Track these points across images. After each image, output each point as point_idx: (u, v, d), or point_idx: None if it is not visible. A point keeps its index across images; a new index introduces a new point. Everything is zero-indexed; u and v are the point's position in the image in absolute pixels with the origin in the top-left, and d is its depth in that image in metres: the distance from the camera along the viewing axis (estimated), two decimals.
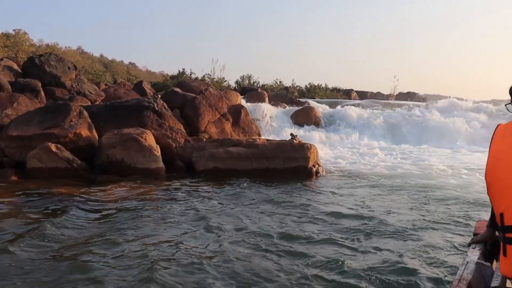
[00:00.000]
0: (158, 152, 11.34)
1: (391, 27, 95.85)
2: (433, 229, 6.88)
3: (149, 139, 11.33)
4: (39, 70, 14.83)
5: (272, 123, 20.89)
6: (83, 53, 39.50)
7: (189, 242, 6.11)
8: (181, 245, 5.97)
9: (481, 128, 21.38)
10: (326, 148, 17.20)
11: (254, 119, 20.58)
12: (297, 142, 11.58)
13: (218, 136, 16.94)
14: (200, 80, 30.90)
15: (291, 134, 12.17)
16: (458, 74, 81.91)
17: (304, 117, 21.48)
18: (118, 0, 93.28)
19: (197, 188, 9.86)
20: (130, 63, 42.88)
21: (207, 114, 16.95)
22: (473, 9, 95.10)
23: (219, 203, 8.48)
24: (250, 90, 28.03)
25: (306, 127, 20.73)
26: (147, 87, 17.80)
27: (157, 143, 11.80)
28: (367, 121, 21.53)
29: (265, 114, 20.99)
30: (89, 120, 12.00)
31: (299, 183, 10.41)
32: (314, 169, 11.44)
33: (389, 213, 7.76)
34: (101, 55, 40.31)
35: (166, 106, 13.61)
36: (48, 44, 37.12)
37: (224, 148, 11.44)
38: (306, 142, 11.88)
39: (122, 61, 41.33)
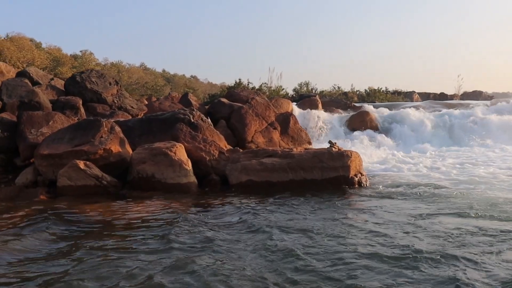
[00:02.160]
0: (188, 166, 10.49)
1: (454, 25, 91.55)
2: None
3: (179, 152, 10.50)
4: (80, 87, 14.42)
5: (325, 130, 19.72)
6: (146, 69, 39.69)
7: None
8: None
9: None
10: (378, 154, 15.87)
11: (306, 126, 19.53)
12: (336, 150, 10.40)
13: (266, 146, 15.96)
14: (257, 89, 30.12)
15: (330, 142, 11.00)
16: None
17: (359, 122, 20.15)
18: (177, 15, 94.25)
19: (227, 204, 8.92)
20: (191, 76, 42.74)
21: (254, 123, 16.05)
22: None
23: (242, 220, 7.52)
24: (307, 97, 26.95)
25: (360, 132, 19.40)
26: (193, 98, 17.13)
27: (189, 156, 10.98)
28: (425, 123, 19.90)
29: (318, 121, 19.85)
30: (121, 135, 11.33)
31: (337, 196, 9.23)
32: (356, 179, 10.23)
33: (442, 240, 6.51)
34: (164, 70, 40.40)
35: (204, 118, 12.80)
36: (112, 62, 37.52)
37: (258, 159, 10.44)
38: (347, 149, 10.67)
39: (183, 75, 41.23)
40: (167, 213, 8.15)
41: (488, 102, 23.94)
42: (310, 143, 16.87)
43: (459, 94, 36.08)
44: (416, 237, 6.28)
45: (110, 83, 14.92)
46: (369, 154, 15.71)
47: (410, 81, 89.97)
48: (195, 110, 12.68)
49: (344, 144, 18.25)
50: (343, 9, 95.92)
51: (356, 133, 19.36)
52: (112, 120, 12.66)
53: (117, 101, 14.76)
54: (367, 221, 7.25)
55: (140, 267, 5.33)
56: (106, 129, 11.13)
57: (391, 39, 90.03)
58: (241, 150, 11.65)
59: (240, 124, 15.96)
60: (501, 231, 6.36)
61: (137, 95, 27.94)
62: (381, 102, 30.32)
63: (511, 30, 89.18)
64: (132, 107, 15.11)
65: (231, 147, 13.92)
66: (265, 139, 16.13)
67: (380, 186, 10.08)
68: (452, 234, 6.33)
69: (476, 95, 35.74)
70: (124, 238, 6.64)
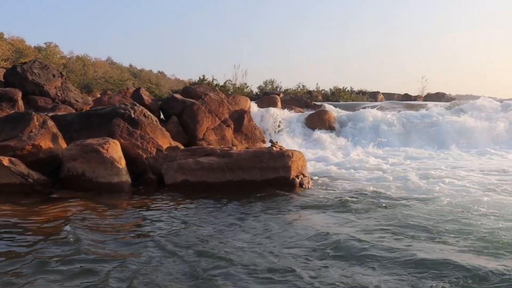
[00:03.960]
0: (121, 164, 9.70)
1: (420, 27, 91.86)
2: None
3: (112, 149, 9.70)
4: (21, 78, 13.44)
5: (283, 128, 19.08)
6: (113, 63, 38.65)
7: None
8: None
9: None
10: (332, 153, 15.28)
11: (264, 124, 18.91)
12: (278, 149, 9.71)
13: (218, 143, 15.24)
14: (221, 86, 29.39)
15: (271, 141, 10.34)
16: (494, 73, 77.51)
17: (318, 121, 19.54)
18: (147, 10, 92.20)
19: (157, 206, 8.15)
20: (159, 72, 41.72)
21: (206, 120, 15.31)
22: (507, 7, 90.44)
23: (169, 224, 6.77)
24: (267, 95, 26.32)
25: (318, 131, 18.81)
26: (145, 94, 16.23)
27: (125, 153, 10.18)
28: (382, 123, 19.39)
29: (276, 119, 19.20)
30: (54, 130, 10.46)
31: (276, 198, 8.48)
32: (298, 181, 9.54)
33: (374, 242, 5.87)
34: (131, 65, 39.35)
35: (148, 113, 11.97)
36: (78, 55, 36.36)
37: (195, 158, 9.70)
38: (288, 149, 9.98)
39: (150, 70, 40.23)
40: (73, 217, 7.30)
41: (447, 104, 23.63)
42: (264, 141, 16.19)
43: (423, 96, 35.88)
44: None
45: (54, 75, 14.00)
46: (323, 153, 15.13)
47: (376, 81, 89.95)
48: (137, 105, 11.86)
49: (301, 142, 17.70)
50: (311, 7, 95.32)
51: (314, 132, 18.77)
52: (49, 114, 11.81)
53: (61, 94, 13.84)
54: (282, 234, 6.56)
55: None
56: (37, 123, 10.26)
57: (358, 39, 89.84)
58: (181, 148, 10.89)
59: (191, 120, 15.21)
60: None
61: (99, 90, 27.00)
62: (346, 101, 29.93)
63: (475, 34, 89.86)
64: (76, 101, 14.21)
65: (181, 145, 13.20)
66: (217, 137, 15.41)
67: (322, 190, 9.32)
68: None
69: (439, 97, 35.50)
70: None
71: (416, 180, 10.13)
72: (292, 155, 9.55)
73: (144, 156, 10.46)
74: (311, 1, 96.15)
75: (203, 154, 9.83)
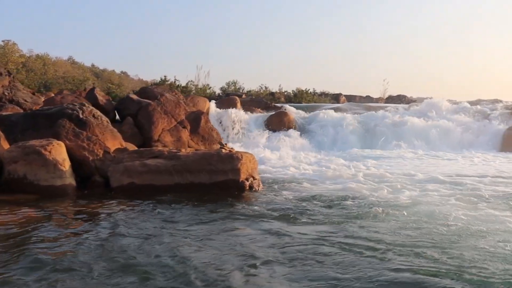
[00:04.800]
0: (65, 166, 9.26)
1: (382, 30, 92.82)
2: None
3: (56, 151, 9.26)
4: None
5: (242, 130, 18.84)
6: (74, 63, 37.77)
7: None
8: None
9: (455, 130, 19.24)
10: (289, 155, 15.07)
11: (223, 126, 18.64)
12: (227, 151, 9.43)
13: (174, 145, 14.86)
14: (183, 87, 29.00)
15: (220, 143, 10.07)
16: (453, 75, 78.80)
17: (277, 123, 19.42)
18: (111, 10, 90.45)
19: (96, 211, 7.75)
20: (121, 72, 40.95)
21: (162, 121, 14.89)
22: (466, 11, 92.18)
23: (99, 231, 6.38)
24: (227, 96, 26.07)
25: (277, 133, 18.64)
26: (99, 94, 15.74)
27: (71, 155, 9.75)
28: (343, 125, 19.34)
29: (235, 121, 18.94)
30: None
31: (222, 203, 8.10)
32: (248, 183, 9.26)
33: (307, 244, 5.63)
34: (93, 65, 38.52)
35: (98, 114, 11.53)
36: (38, 54, 35.38)
37: (142, 160, 9.34)
38: (238, 151, 9.71)
39: (113, 70, 39.44)
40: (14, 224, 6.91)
41: (406, 106, 23.79)
42: (221, 143, 15.91)
43: (384, 98, 36.15)
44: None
45: (1, 74, 13.42)
46: (280, 155, 14.92)
47: (339, 83, 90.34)
48: (86, 105, 11.42)
49: (259, 144, 17.48)
50: (274, 9, 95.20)
51: (273, 133, 18.59)
52: None
53: (8, 93, 13.27)
54: (211, 244, 6.30)
55: None
56: None
57: (322, 42, 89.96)
58: (131, 149, 10.50)
59: (146, 121, 14.77)
60: None
61: (58, 90, 26.27)
62: (308, 103, 29.86)
63: (436, 37, 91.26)
64: (25, 100, 13.64)
65: (134, 146, 12.80)
66: (173, 138, 15.02)
67: (271, 195, 8.95)
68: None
69: (400, 99, 35.86)
70: None
71: (372, 183, 9.99)
72: (242, 157, 9.28)
73: (91, 158, 10.04)
74: (275, 3, 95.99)
75: (151, 156, 9.48)
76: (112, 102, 16.43)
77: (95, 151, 10.13)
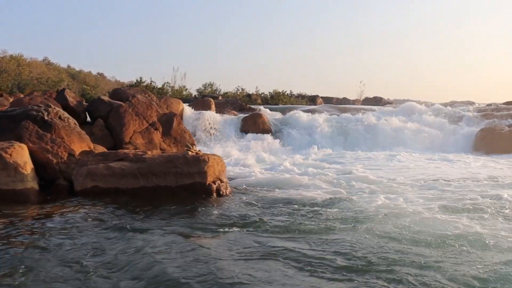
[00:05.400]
0: (26, 170, 8.96)
1: (359, 32, 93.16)
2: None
3: (17, 154, 8.95)
4: None
5: (216, 132, 18.62)
6: (50, 64, 37.12)
7: None
8: None
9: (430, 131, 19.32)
10: (261, 158, 14.90)
11: (196, 128, 18.41)
12: (193, 154, 9.22)
13: (146, 147, 14.60)
14: (159, 88, 28.69)
15: (186, 145, 9.85)
16: (429, 77, 79.54)
17: (251, 125, 19.20)
18: (88, 11, 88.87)
19: (58, 216, 7.45)
20: (98, 73, 40.40)
21: (133, 123, 14.64)
22: (441, 15, 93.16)
23: (51, 239, 6.12)
24: (211, 98, 25.81)
25: (252, 135, 18.46)
26: (70, 95, 15.41)
27: (34, 158, 9.45)
28: (317, 127, 19.24)
29: (208, 122, 18.71)
30: None
31: (185, 208, 7.83)
32: (215, 187, 9.06)
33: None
34: (69, 66, 37.93)
35: (65, 115, 11.25)
36: (12, 55, 34.67)
37: (106, 163, 9.08)
38: (205, 154, 9.49)
39: (89, 72, 38.89)
40: None
41: (381, 107, 23.82)
42: (194, 145, 15.68)
43: (361, 100, 36.23)
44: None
45: None
46: (253, 157, 14.73)
47: (316, 85, 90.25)
48: (52, 107, 11.12)
49: (232, 146, 17.27)
50: (251, 11, 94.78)
51: (247, 135, 18.41)
52: None
53: None
54: (202, 237, 6.10)
55: None
56: None
57: (299, 43, 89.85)
58: (95, 152, 10.23)
59: (117, 123, 14.52)
60: None
61: (29, 91, 25.76)
62: (285, 105, 29.74)
63: (413, 40, 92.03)
64: None
65: (104, 148, 12.53)
66: (144, 140, 14.78)
67: (238, 199, 8.71)
68: None
69: (377, 101, 35.98)
70: None
71: (343, 188, 9.76)
72: (209, 160, 9.08)
73: (55, 161, 9.76)
74: (253, 5, 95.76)
75: (116, 159, 9.23)
76: (85, 103, 16.08)
77: (60, 154, 9.85)
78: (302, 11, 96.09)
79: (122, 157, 9.25)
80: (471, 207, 7.79)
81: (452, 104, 25.28)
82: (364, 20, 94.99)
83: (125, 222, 7.03)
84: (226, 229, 6.61)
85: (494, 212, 7.47)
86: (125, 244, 5.83)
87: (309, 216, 7.33)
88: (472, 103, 26.03)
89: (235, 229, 6.64)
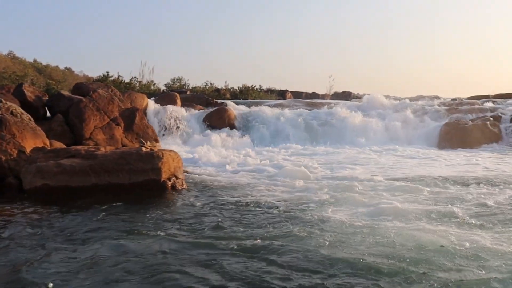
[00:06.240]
0: None
1: (329, 28, 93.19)
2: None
3: None
4: None
5: (180, 127, 18.27)
6: (15, 58, 36.14)
7: None
8: None
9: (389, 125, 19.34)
10: (223, 153, 14.65)
11: (161, 123, 18.05)
12: (148, 150, 8.90)
13: (107, 143, 14.23)
14: (126, 83, 28.15)
15: (140, 141, 9.53)
16: (400, 73, 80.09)
17: (217, 120, 18.92)
18: (54, 4, 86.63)
19: (8, 216, 7.11)
20: (66, 68, 39.44)
21: (94, 118, 14.24)
22: (408, 9, 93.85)
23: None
24: (179, 93, 25.38)
25: (217, 130, 18.18)
26: (28, 90, 14.89)
27: None
28: (282, 121, 19.05)
29: (173, 117, 18.35)
30: None
31: (137, 206, 7.49)
32: (170, 183, 8.77)
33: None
34: (35, 60, 36.93)
35: (18, 111, 10.82)
36: None
37: (57, 160, 8.70)
38: (160, 149, 9.18)
39: (57, 66, 37.91)
40: None
41: (348, 102, 23.76)
42: (157, 140, 15.30)
43: (330, 94, 36.20)
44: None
45: None
46: (215, 153, 14.46)
47: (287, 80, 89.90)
48: (3, 101, 10.67)
49: (198, 142, 16.98)
50: (223, 6, 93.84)
51: (212, 130, 18.11)
52: None
53: None
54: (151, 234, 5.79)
55: None
56: None
57: (271, 38, 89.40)
58: (47, 149, 9.81)
59: (78, 119, 14.12)
60: None
61: None
62: (254, 99, 29.49)
63: (382, 35, 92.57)
64: None
65: (63, 145, 12.11)
66: (105, 136, 14.39)
67: (193, 196, 8.38)
68: None
69: (346, 96, 36.00)
70: None
71: (301, 184, 9.42)
72: (163, 156, 8.77)
73: (4, 158, 9.32)
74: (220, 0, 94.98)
75: (67, 156, 8.85)
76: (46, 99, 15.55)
77: (9, 150, 9.42)
78: (273, 7, 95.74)
79: (74, 154, 8.87)
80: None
81: (419, 98, 25.38)
82: (334, 14, 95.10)
83: (65, 223, 6.67)
84: (163, 233, 6.07)
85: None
86: (58, 250, 5.46)
87: (256, 221, 6.76)
88: (438, 98, 26.18)
89: (176, 232, 6.21)
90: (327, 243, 5.46)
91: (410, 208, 7.09)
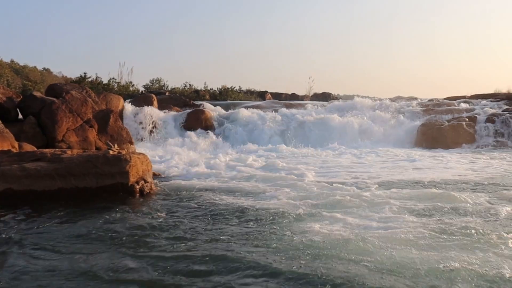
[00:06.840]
0: None
1: (307, 29, 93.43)
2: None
3: None
4: None
5: (156, 128, 18.05)
6: None
7: None
8: None
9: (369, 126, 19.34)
10: (197, 156, 14.48)
11: (137, 125, 17.82)
12: (115, 153, 8.71)
13: (80, 145, 14.01)
14: (104, 84, 27.84)
15: (107, 143, 9.33)
16: (378, 73, 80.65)
17: (194, 121, 18.76)
18: (33, 3, 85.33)
19: None
20: (44, 68, 38.89)
21: (66, 120, 13.99)
22: (390, 11, 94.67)
23: None
24: (158, 94, 25.11)
25: (194, 132, 18.00)
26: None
27: None
28: (260, 123, 18.93)
29: (149, 119, 18.13)
30: None
31: (101, 212, 7.16)
32: (138, 187, 8.57)
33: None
34: (12, 61, 36.35)
35: None
36: None
37: (21, 164, 8.47)
38: (128, 152, 8.97)
39: (35, 67, 37.36)
40: None
41: (325, 103, 23.74)
42: (132, 142, 15.13)
43: (310, 95, 36.16)
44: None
45: None
46: (186, 155, 14.27)
47: (266, 81, 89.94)
48: None
49: (173, 143, 16.79)
50: (202, 7, 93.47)
51: (189, 132, 17.93)
52: None
53: None
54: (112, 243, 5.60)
55: None
56: None
57: (251, 39, 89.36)
58: (12, 152, 9.56)
59: (50, 121, 13.86)
60: None
61: None
62: (234, 100, 29.35)
63: (362, 36, 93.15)
64: None
65: (33, 147, 11.85)
66: (79, 138, 14.15)
67: (161, 200, 8.16)
68: None
69: (325, 97, 35.94)
70: None
71: (270, 189, 9.19)
72: (131, 159, 8.58)
73: None
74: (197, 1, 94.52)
75: (32, 159, 8.62)
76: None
77: None
78: (253, 8, 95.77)
79: (39, 157, 8.64)
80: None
81: (396, 99, 25.45)
82: (314, 16, 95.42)
83: (21, 233, 6.39)
84: (126, 241, 5.88)
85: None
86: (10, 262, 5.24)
87: (222, 228, 6.47)
88: (415, 99, 26.27)
89: (141, 240, 5.97)
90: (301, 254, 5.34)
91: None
